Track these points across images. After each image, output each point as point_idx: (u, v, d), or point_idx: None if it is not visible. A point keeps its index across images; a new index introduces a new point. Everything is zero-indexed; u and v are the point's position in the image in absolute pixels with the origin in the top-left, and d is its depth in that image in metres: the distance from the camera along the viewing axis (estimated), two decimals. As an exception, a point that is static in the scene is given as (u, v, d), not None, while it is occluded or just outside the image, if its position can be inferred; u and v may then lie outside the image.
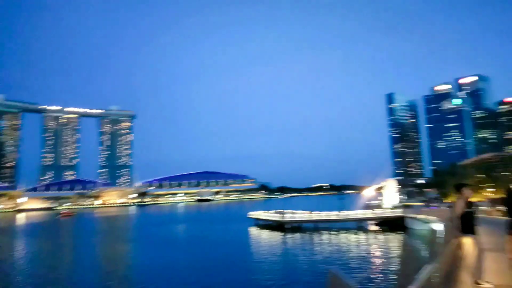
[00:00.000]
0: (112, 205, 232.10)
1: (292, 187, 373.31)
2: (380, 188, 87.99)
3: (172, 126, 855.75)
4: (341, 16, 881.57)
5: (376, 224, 54.39)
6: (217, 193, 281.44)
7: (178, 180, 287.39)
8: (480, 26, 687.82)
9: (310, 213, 58.13)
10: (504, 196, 9.03)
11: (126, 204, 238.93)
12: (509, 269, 8.28)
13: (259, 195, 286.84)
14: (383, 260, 28.58)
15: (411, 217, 50.74)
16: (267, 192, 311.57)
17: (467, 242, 6.51)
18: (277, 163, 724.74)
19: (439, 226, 8.50)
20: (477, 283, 6.23)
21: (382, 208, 64.30)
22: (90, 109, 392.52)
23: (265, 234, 50.97)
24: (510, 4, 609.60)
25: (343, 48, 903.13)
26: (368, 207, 71.32)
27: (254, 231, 55.82)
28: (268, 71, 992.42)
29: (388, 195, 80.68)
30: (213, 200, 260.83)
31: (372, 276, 22.16)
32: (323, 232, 49.22)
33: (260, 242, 44.53)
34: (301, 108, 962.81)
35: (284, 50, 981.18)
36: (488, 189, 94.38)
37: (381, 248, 35.16)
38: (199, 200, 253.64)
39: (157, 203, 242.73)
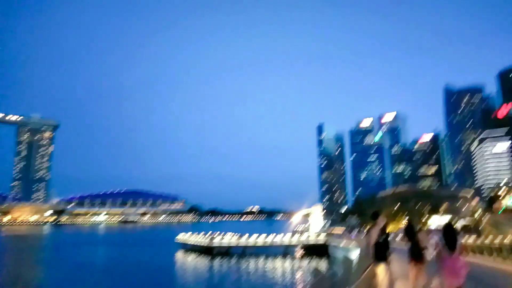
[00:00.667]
0: (23, 223, 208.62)
1: (224, 210, 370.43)
2: (307, 214, 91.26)
3: (99, 141, 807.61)
4: (277, 45, 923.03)
5: (302, 250, 55.70)
6: (143, 214, 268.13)
7: (101, 199, 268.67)
8: (402, 65, 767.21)
9: (239, 238, 57.81)
10: (405, 227, 10.06)
11: (40, 222, 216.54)
12: None
13: (189, 218, 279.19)
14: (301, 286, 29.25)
15: (333, 244, 53.08)
16: (197, 214, 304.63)
17: (381, 269, 6.97)
18: (209, 185, 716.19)
19: (356, 253, 9.01)
20: (388, 309, 6.63)
21: (308, 234, 66.31)
22: (7, 115, 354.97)
23: (192, 259, 49.49)
24: (427, 47, 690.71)
25: (280, 75, 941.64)
26: (295, 232, 73.07)
27: (180, 256, 53.91)
28: (200, 91, 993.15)
29: (314, 222, 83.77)
30: (139, 221, 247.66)
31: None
32: (251, 257, 49.18)
33: (185, 268, 43.08)
34: (236, 131, 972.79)
35: (219, 72, 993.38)
36: (402, 220, 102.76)
37: (303, 275, 35.99)
38: (123, 222, 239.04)
39: (75, 223, 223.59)
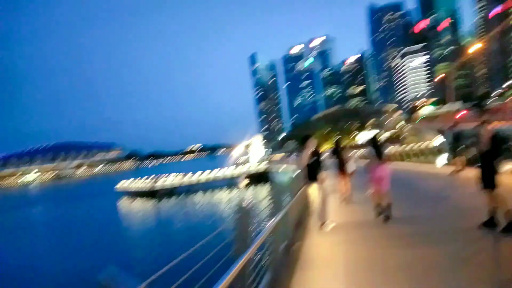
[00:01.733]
0: None
1: (165, 151, 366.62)
2: (248, 145, 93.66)
3: (16, 91, 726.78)
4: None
5: (245, 180, 57.80)
6: (78, 166, 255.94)
7: (28, 156, 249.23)
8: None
9: (183, 176, 58.02)
10: (333, 145, 11.44)
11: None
12: (344, 204, 9.96)
13: (129, 164, 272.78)
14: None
15: (273, 170, 55.77)
16: (137, 159, 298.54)
17: (313, 188, 7.16)
18: (147, 130, 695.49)
19: (293, 175, 9.28)
20: (323, 225, 6.93)
21: (249, 164, 68.60)
22: None
23: (136, 204, 49.07)
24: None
25: (204, 9, 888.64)
26: (237, 164, 75.18)
27: (123, 203, 53.10)
28: (129, 32, 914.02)
29: (255, 152, 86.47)
30: (74, 174, 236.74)
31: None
32: (196, 194, 50.08)
33: (130, 213, 42.77)
34: (169, 72, 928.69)
35: (146, 11, 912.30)
36: (335, 138, 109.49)
37: (243, 201, 37.58)
38: (57, 177, 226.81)
39: (2, 186, 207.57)
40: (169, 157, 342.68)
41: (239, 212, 3.20)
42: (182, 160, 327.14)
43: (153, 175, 59.14)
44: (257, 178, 54.96)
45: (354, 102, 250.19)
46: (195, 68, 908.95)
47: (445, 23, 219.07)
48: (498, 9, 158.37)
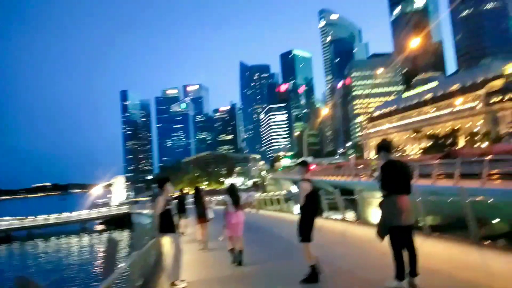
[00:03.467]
0: None
1: (2, 188, 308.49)
2: (109, 185, 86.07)
3: None
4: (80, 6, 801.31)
5: (103, 223, 52.32)
6: None
7: None
8: (204, 41, 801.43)
9: (23, 219, 49.14)
10: (193, 192, 11.26)
11: None
12: (201, 252, 9.63)
13: None
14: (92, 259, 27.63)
15: (137, 213, 52.00)
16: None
17: (166, 240, 6.49)
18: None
19: (146, 223, 8.45)
20: (173, 285, 6.15)
21: (109, 206, 62.67)
22: None
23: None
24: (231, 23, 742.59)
25: (76, 36, 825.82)
26: (95, 206, 68.01)
27: None
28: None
29: (117, 192, 79.97)
30: None
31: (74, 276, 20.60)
32: (39, 239, 42.66)
33: None
34: (24, 98, 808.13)
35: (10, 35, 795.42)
36: (204, 182, 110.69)
37: (98, 248, 33.76)
38: None
39: None
40: (6, 196, 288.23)
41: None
42: (25, 198, 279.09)
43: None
44: (116, 222, 50.24)
45: (224, 149, 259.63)
46: (52, 96, 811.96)
47: (302, 89, 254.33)
48: (340, 84, 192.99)
